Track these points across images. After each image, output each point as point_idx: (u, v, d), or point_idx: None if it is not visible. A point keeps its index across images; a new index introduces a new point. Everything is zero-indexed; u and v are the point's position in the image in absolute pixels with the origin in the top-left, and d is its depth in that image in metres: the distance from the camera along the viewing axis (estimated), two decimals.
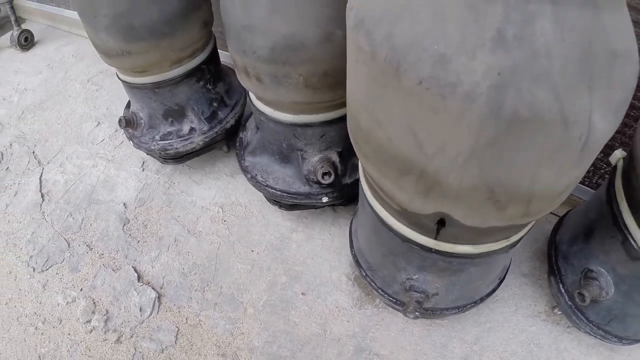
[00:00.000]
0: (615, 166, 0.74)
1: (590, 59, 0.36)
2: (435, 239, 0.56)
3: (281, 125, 0.81)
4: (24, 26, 1.84)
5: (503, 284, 0.86)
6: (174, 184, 1.15)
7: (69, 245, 1.10)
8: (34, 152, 1.36)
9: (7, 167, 1.34)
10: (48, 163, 1.31)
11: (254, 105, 0.85)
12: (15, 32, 1.81)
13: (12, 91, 1.63)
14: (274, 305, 0.93)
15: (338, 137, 0.82)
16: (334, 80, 0.70)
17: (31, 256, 1.11)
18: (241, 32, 0.67)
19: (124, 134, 1.10)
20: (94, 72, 1.59)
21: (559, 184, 0.44)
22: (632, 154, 0.66)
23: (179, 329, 0.91)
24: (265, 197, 0.96)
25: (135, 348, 0.91)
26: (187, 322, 0.92)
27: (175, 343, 0.90)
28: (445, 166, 0.42)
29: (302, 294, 0.94)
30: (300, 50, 0.65)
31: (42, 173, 1.29)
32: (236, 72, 0.79)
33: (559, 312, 0.89)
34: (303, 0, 0.61)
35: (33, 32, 1.87)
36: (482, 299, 0.76)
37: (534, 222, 0.61)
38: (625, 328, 0.79)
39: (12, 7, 1.77)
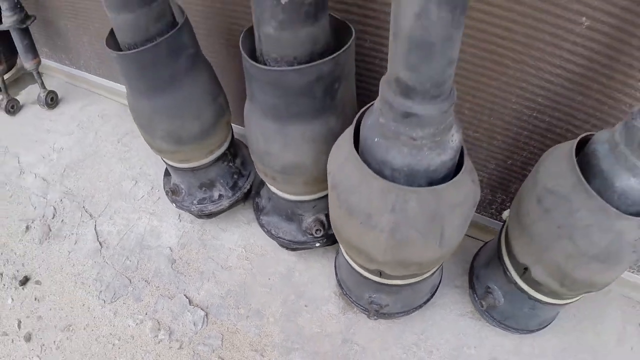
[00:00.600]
0: (505, 220, 1.26)
1: (439, 212, 0.86)
2: (380, 277, 1.08)
3: (287, 200, 1.31)
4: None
5: (439, 293, 1.39)
6: (206, 231, 1.65)
7: (130, 281, 1.59)
8: (84, 207, 1.82)
9: (62, 220, 1.81)
10: (99, 216, 1.78)
11: (268, 187, 1.35)
12: (42, 93, 2.23)
13: (49, 150, 2.07)
14: (287, 315, 1.45)
15: (325, 206, 1.33)
16: (321, 179, 1.20)
17: (100, 291, 1.59)
18: (263, 155, 1.17)
19: (167, 197, 1.58)
20: (121, 134, 2.05)
21: (434, 257, 0.95)
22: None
23: (223, 336, 1.42)
24: (277, 243, 1.47)
25: (194, 351, 1.41)
26: (228, 330, 1.43)
27: (222, 345, 1.41)
28: (376, 252, 0.93)
29: (305, 306, 1.46)
30: (301, 167, 1.15)
31: (95, 225, 1.76)
32: (257, 171, 1.28)
33: (477, 316, 1.43)
34: (303, 142, 1.10)
35: (51, 86, 2.30)
36: (420, 306, 1.29)
37: (436, 268, 1.13)
38: (517, 323, 1.32)
39: (38, 72, 2.20)
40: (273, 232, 1.42)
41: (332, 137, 1.05)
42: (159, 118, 1.27)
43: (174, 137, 1.31)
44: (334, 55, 0.95)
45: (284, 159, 1.14)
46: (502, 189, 1.40)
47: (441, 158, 0.82)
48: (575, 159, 0.90)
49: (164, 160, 1.49)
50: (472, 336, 1.39)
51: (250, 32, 1.03)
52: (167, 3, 1.16)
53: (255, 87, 1.04)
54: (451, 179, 0.85)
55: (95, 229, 1.74)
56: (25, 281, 1.65)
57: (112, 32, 1.19)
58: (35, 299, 1.61)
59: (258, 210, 1.48)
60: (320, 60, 0.94)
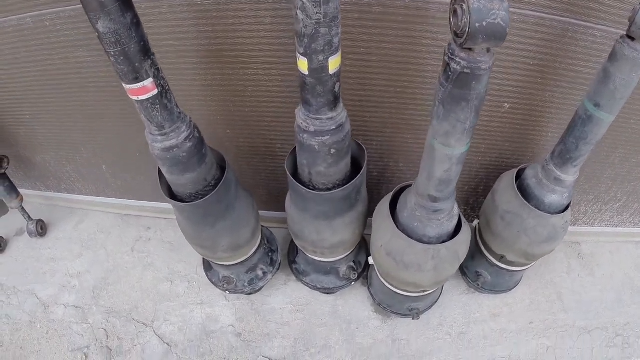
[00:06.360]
0: (476, 227, 1.93)
1: (456, 250, 1.47)
2: (420, 293, 1.68)
3: (327, 262, 1.85)
4: None
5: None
6: (254, 302, 2.10)
7: None
8: (134, 319, 2.14)
9: (118, 337, 2.11)
10: (152, 322, 2.12)
11: (307, 255, 1.86)
12: (30, 224, 2.39)
13: (67, 277, 2.29)
14: (347, 339, 2.00)
15: (354, 256, 1.89)
16: (353, 245, 1.76)
17: None
18: (315, 241, 1.68)
19: (218, 288, 2.00)
20: (131, 242, 2.35)
21: (455, 270, 1.58)
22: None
23: None
24: (319, 292, 2.00)
25: None
26: None
27: None
28: (424, 283, 1.54)
29: (357, 328, 2.03)
30: (344, 243, 1.69)
31: (154, 330, 2.10)
32: (304, 250, 1.79)
33: (472, 290, 2.11)
34: (344, 227, 1.64)
35: (29, 212, 2.40)
36: (435, 302, 1.93)
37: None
38: (501, 287, 2.05)
39: (22, 208, 2.35)
40: (318, 286, 1.96)
41: (361, 218, 1.63)
42: (221, 237, 1.70)
43: (233, 246, 1.76)
44: (362, 171, 1.49)
45: (332, 241, 1.67)
46: (465, 203, 2.10)
47: (452, 223, 1.44)
48: (516, 188, 1.57)
49: (214, 263, 1.91)
50: (473, 305, 2.08)
51: (291, 171, 1.53)
52: (212, 155, 1.58)
53: (309, 203, 1.54)
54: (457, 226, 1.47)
55: (155, 334, 2.08)
56: None
57: (162, 184, 1.54)
58: None
59: (300, 274, 1.99)
60: (356, 178, 1.48)
